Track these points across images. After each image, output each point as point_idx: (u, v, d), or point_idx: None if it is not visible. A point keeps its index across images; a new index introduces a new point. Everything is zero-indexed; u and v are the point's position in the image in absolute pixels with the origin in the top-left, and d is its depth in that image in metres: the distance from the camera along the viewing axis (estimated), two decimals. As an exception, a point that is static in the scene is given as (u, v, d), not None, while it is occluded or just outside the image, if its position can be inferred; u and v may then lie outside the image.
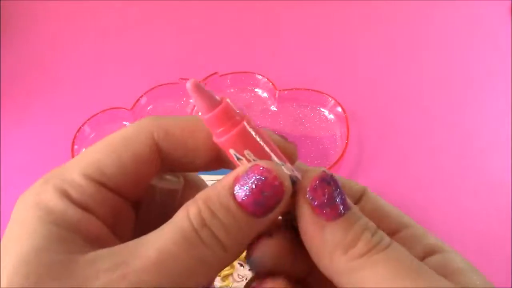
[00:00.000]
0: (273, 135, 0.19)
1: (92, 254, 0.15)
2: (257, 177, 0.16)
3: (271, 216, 0.17)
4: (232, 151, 0.18)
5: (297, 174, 0.18)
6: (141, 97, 0.55)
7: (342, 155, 0.48)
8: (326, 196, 0.17)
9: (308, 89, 0.55)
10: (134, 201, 0.19)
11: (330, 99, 0.54)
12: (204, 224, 0.16)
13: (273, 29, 0.68)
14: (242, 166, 0.17)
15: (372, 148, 0.52)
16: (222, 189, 0.17)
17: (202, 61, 0.63)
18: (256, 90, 0.58)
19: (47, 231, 0.16)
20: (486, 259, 0.43)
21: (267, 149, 0.18)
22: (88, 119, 0.53)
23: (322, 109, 0.55)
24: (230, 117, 0.18)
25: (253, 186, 0.16)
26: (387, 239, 0.17)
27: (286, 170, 0.17)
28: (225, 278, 0.41)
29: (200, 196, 0.17)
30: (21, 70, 0.65)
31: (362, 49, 0.64)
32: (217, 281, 0.41)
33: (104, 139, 0.19)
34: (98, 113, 0.54)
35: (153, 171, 0.19)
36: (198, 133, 0.19)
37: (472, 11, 0.68)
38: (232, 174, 0.17)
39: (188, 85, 0.17)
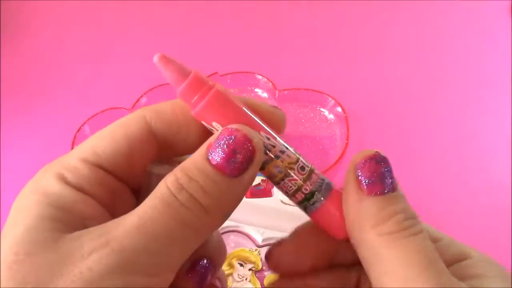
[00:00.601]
0: (258, 103, 0.20)
1: (80, 231, 0.16)
2: (227, 137, 0.17)
3: (246, 176, 0.17)
4: (204, 123, 0.19)
5: (275, 142, 0.18)
6: (141, 97, 0.55)
7: (342, 155, 0.48)
8: (373, 173, 0.18)
9: (308, 89, 0.55)
10: (133, 186, 0.19)
11: (330, 99, 0.54)
12: (181, 188, 0.16)
13: (273, 29, 0.68)
14: (214, 134, 0.18)
15: (372, 148, 0.52)
16: (197, 157, 0.17)
17: (202, 61, 0.63)
18: (256, 90, 0.58)
19: (40, 211, 0.16)
20: (486, 259, 0.43)
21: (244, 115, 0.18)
22: (88, 119, 0.53)
23: (322, 109, 0.55)
24: (199, 88, 0.18)
25: (225, 147, 0.17)
26: (419, 228, 0.17)
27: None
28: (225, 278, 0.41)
29: (176, 168, 0.17)
30: (21, 70, 0.65)
31: (362, 49, 0.64)
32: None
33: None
34: (98, 113, 0.54)
35: (148, 152, 0.19)
36: (187, 110, 0.19)
37: (472, 11, 0.68)
38: (205, 143, 0.18)
39: (156, 58, 0.18)
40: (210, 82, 0.19)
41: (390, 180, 0.18)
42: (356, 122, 0.54)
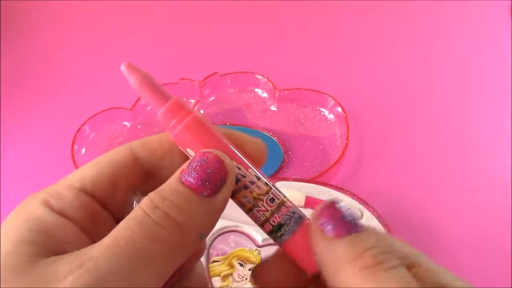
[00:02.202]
0: (240, 134, 0.20)
1: (57, 256, 0.16)
2: (200, 159, 0.18)
3: (220, 197, 0.18)
4: (180, 148, 0.19)
5: (246, 173, 0.19)
6: (141, 97, 0.55)
7: (342, 155, 0.48)
8: (334, 217, 0.18)
9: (308, 89, 0.55)
10: (117, 215, 0.19)
11: (330, 99, 0.54)
12: (155, 207, 0.17)
13: (273, 29, 0.68)
14: (188, 160, 0.18)
15: (372, 148, 0.52)
16: (171, 180, 0.18)
17: (202, 61, 0.63)
18: (256, 90, 0.58)
19: (19, 236, 0.16)
20: (486, 259, 0.43)
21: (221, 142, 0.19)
22: (88, 119, 0.53)
23: (322, 109, 0.55)
24: (177, 113, 0.19)
25: (198, 168, 0.17)
26: (395, 262, 0.17)
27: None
28: (225, 278, 0.41)
29: (151, 192, 0.17)
30: (21, 70, 0.65)
31: (362, 49, 0.64)
32: (217, 281, 0.41)
33: None
34: (98, 113, 0.54)
35: (133, 179, 0.19)
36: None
37: (472, 11, 0.68)
38: (178, 170, 0.18)
39: (132, 80, 0.20)
40: (189, 109, 0.19)
41: (353, 220, 0.18)
42: (356, 122, 0.54)
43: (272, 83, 0.56)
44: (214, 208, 0.18)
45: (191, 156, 0.19)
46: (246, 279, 0.41)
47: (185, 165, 0.18)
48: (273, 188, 0.19)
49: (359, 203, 0.43)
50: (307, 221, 0.19)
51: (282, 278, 0.21)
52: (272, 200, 0.19)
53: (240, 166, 0.19)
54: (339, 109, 0.53)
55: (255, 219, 0.19)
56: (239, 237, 0.43)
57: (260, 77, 0.57)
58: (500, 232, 0.45)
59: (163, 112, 0.19)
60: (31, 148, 0.55)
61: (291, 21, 0.69)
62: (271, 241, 0.43)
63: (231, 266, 0.42)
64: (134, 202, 0.19)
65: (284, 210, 0.19)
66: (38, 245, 0.16)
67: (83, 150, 0.53)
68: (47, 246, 0.16)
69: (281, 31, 0.68)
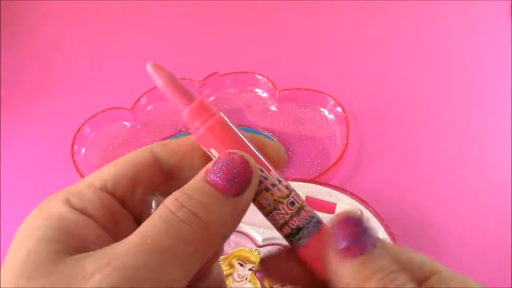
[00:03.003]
0: (261, 137, 0.20)
1: (81, 254, 0.16)
2: (225, 159, 0.18)
3: (245, 197, 0.18)
4: (203, 148, 0.19)
5: (268, 175, 0.19)
6: (141, 97, 0.55)
7: (342, 155, 0.48)
8: (348, 236, 0.18)
9: (308, 89, 0.55)
10: (136, 215, 0.20)
11: (330, 99, 0.54)
12: (181, 205, 0.17)
13: (273, 29, 0.68)
14: (212, 160, 0.19)
15: (372, 148, 0.52)
16: (196, 179, 0.18)
17: (202, 61, 0.63)
18: (256, 90, 0.58)
19: (41, 234, 0.16)
20: (486, 259, 0.43)
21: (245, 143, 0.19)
22: (88, 119, 0.53)
23: (322, 109, 0.55)
24: (202, 114, 0.19)
25: (223, 167, 0.18)
26: (403, 280, 0.17)
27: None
28: (225, 278, 0.41)
29: (175, 191, 0.18)
30: (21, 70, 0.65)
31: (362, 49, 0.64)
32: (217, 281, 0.41)
33: None
34: (98, 113, 0.54)
35: (153, 179, 0.19)
36: (192, 140, 0.20)
37: (472, 11, 0.68)
38: (204, 168, 0.18)
39: (159, 82, 0.20)
40: (214, 110, 0.19)
41: (367, 240, 0.18)
42: (356, 122, 0.54)
43: (272, 83, 0.56)
44: (238, 208, 0.18)
45: (215, 156, 0.19)
46: (246, 279, 0.41)
47: (209, 165, 0.18)
48: (293, 192, 0.19)
49: (359, 203, 0.43)
50: (325, 227, 0.19)
51: (293, 273, 0.21)
52: (292, 203, 0.19)
53: (262, 169, 0.19)
54: (339, 109, 0.53)
55: (274, 222, 0.19)
56: (239, 237, 0.43)
57: (260, 77, 0.57)
58: (500, 232, 0.45)
59: (188, 112, 0.19)
60: (31, 148, 0.55)
61: (291, 21, 0.69)
62: (271, 241, 0.43)
63: (231, 266, 0.42)
64: (153, 202, 0.19)
65: (304, 214, 0.19)
66: (61, 243, 0.16)
67: (83, 150, 0.53)
68: (70, 244, 0.16)
69: (281, 31, 0.68)
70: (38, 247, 0.16)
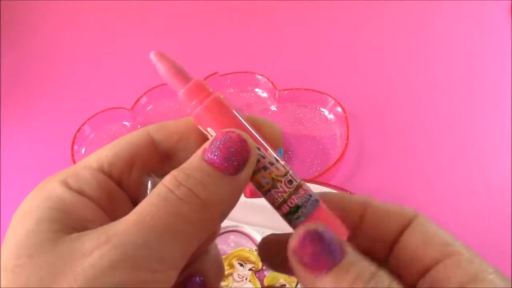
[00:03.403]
0: (257, 118, 0.20)
1: (79, 233, 0.16)
2: (222, 138, 0.18)
3: (242, 175, 0.18)
4: (200, 128, 0.19)
5: (266, 154, 0.19)
6: (141, 97, 0.56)
7: (342, 155, 0.48)
8: (312, 254, 0.17)
9: (308, 89, 0.55)
10: (133, 196, 0.20)
11: (330, 99, 0.54)
12: (180, 184, 0.17)
13: (273, 29, 0.68)
14: (209, 139, 0.19)
15: (372, 148, 0.52)
16: (193, 158, 0.18)
17: (202, 61, 0.63)
18: (256, 90, 0.58)
19: (40, 214, 0.16)
20: (486, 259, 0.43)
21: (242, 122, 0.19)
22: (88, 119, 0.53)
23: (322, 109, 0.55)
24: (199, 93, 0.19)
25: (221, 146, 0.18)
26: (384, 283, 0.17)
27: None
28: (225, 278, 0.41)
29: (173, 170, 0.18)
30: (21, 70, 0.65)
31: (362, 49, 0.64)
32: (217, 281, 0.41)
33: None
34: (98, 113, 0.54)
35: (149, 160, 0.20)
36: (188, 122, 0.20)
37: (472, 11, 0.68)
38: (201, 147, 0.18)
39: (153, 56, 0.20)
40: (211, 90, 0.19)
41: (332, 250, 0.17)
42: (356, 122, 0.54)
43: (272, 83, 0.56)
44: (236, 186, 0.18)
45: (211, 135, 0.19)
46: (246, 279, 0.41)
47: (206, 144, 0.18)
48: (291, 170, 0.19)
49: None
50: (323, 205, 0.19)
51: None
52: (290, 182, 0.19)
53: (259, 147, 0.19)
54: (339, 109, 0.53)
55: (272, 201, 0.19)
56: (239, 237, 0.43)
57: (260, 77, 0.57)
58: (500, 233, 0.45)
59: (185, 91, 0.19)
60: (31, 148, 0.55)
61: (291, 21, 0.69)
62: (271, 241, 0.43)
63: (231, 266, 0.42)
64: (149, 182, 0.20)
65: (302, 192, 0.19)
66: (60, 223, 0.16)
67: (83, 150, 0.53)
68: (68, 223, 0.16)
69: (281, 31, 0.68)
70: (37, 227, 0.16)
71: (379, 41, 0.65)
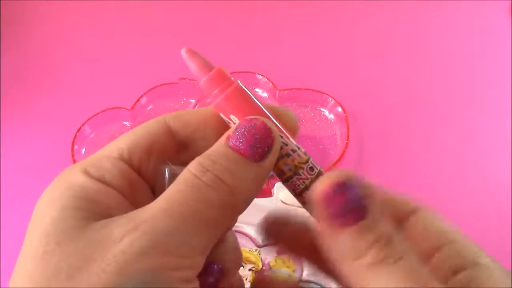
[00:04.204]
0: (274, 106, 0.20)
1: (106, 220, 0.16)
2: (247, 125, 0.18)
3: (267, 162, 0.18)
4: (222, 115, 0.20)
5: (288, 141, 0.19)
6: (141, 97, 0.55)
7: (342, 155, 0.48)
8: (339, 205, 0.17)
9: (308, 89, 0.55)
10: (151, 184, 0.20)
11: (330, 99, 0.54)
12: (206, 170, 0.17)
13: (273, 29, 0.68)
14: (232, 126, 0.19)
15: (372, 148, 0.52)
16: (218, 145, 0.18)
17: (202, 61, 0.63)
18: (256, 90, 0.58)
19: (64, 203, 0.17)
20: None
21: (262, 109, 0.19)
22: (88, 119, 0.53)
23: (322, 109, 0.55)
24: (221, 82, 0.20)
25: (245, 133, 0.18)
26: (400, 252, 0.16)
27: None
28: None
29: (197, 157, 0.18)
30: (21, 70, 0.65)
31: (362, 49, 0.64)
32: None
33: None
34: (98, 113, 0.54)
35: (167, 149, 0.20)
36: (205, 112, 0.20)
37: (472, 11, 0.68)
38: (224, 135, 0.18)
39: (183, 52, 0.20)
40: (232, 78, 0.20)
41: (359, 207, 0.17)
42: (356, 122, 0.54)
43: (272, 83, 0.56)
44: (261, 173, 0.18)
45: (234, 122, 0.19)
46: (246, 279, 0.41)
47: (230, 131, 0.18)
48: (311, 158, 0.20)
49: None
50: None
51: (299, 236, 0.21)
52: (311, 169, 0.19)
53: (282, 135, 0.19)
54: (339, 109, 0.53)
55: (294, 187, 0.19)
56: (239, 237, 0.43)
57: (260, 77, 0.57)
58: (500, 233, 0.45)
59: (208, 80, 0.20)
60: (31, 148, 0.55)
61: (292, 21, 0.69)
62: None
63: (231, 266, 0.42)
64: (166, 171, 0.20)
65: None
66: (85, 210, 0.16)
67: (83, 150, 0.53)
68: (93, 211, 0.17)
69: (281, 31, 0.68)
70: (63, 215, 0.16)
71: (379, 41, 0.65)
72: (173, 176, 0.18)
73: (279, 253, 0.22)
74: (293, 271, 0.42)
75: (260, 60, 0.63)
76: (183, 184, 0.17)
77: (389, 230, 0.17)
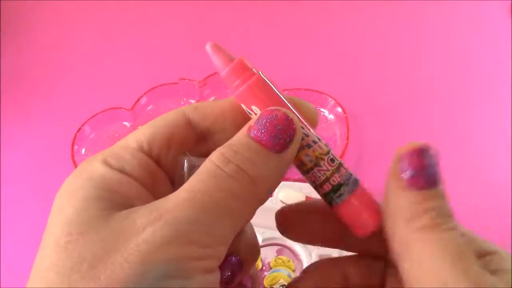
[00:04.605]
0: (293, 97, 0.21)
1: (129, 210, 0.16)
2: (269, 116, 0.18)
3: (288, 153, 0.18)
4: (243, 106, 0.20)
5: (309, 132, 0.19)
6: (141, 97, 0.55)
7: (342, 155, 0.48)
8: (413, 167, 0.18)
9: (308, 89, 0.55)
10: (170, 175, 0.20)
11: (330, 99, 0.54)
12: (228, 161, 0.17)
13: (273, 29, 0.68)
14: (254, 117, 0.19)
15: (372, 148, 0.52)
16: (239, 136, 0.18)
17: (202, 61, 0.63)
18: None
19: (86, 193, 0.17)
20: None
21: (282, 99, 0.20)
22: (88, 119, 0.53)
23: (322, 109, 0.55)
24: (242, 73, 0.20)
25: (267, 124, 0.18)
26: (452, 225, 0.17)
27: None
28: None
29: (221, 146, 0.18)
30: (21, 70, 0.65)
31: (362, 49, 0.64)
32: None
33: None
34: (98, 113, 0.54)
35: (186, 140, 0.20)
36: (224, 103, 0.20)
37: (472, 11, 0.68)
38: (246, 125, 0.18)
39: (208, 46, 0.20)
40: (254, 69, 0.20)
41: (432, 176, 0.18)
42: (356, 122, 0.54)
43: (272, 83, 0.55)
44: (282, 164, 0.18)
45: (256, 113, 0.19)
46: (246, 279, 0.41)
47: (252, 122, 0.18)
48: (331, 149, 0.20)
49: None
50: (361, 185, 0.20)
51: (320, 231, 0.21)
52: (332, 160, 0.19)
53: (303, 126, 0.19)
54: (339, 109, 0.53)
55: (315, 179, 0.19)
56: (239, 237, 0.43)
57: (260, 77, 0.57)
58: (500, 233, 0.45)
59: (229, 71, 0.20)
60: (31, 148, 0.55)
61: (292, 21, 0.69)
62: (272, 241, 0.43)
63: (231, 266, 0.42)
64: (185, 162, 0.20)
65: (343, 171, 0.19)
66: (107, 201, 0.17)
67: (83, 150, 0.53)
68: (115, 201, 0.17)
69: (281, 31, 0.68)
70: (85, 205, 0.16)
71: (379, 41, 0.65)
72: (192, 168, 0.18)
73: (293, 239, 0.22)
74: (293, 271, 0.42)
75: (260, 60, 0.63)
76: (206, 174, 0.17)
77: (447, 207, 0.18)
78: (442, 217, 0.17)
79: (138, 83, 0.58)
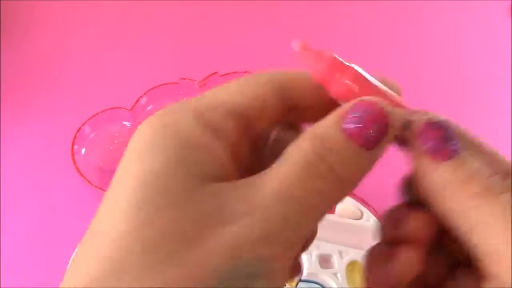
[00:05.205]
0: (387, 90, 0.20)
1: (216, 186, 0.15)
2: (363, 109, 0.17)
3: (379, 150, 0.17)
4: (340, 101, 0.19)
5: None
6: (141, 97, 0.55)
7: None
8: (438, 138, 0.18)
9: (308, 89, 0.55)
10: (254, 143, 0.19)
11: (330, 99, 0.54)
12: (322, 158, 0.16)
13: (273, 29, 0.68)
14: (347, 103, 0.17)
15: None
16: (332, 126, 0.17)
17: (202, 61, 0.63)
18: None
19: (169, 154, 0.15)
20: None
21: (381, 89, 0.19)
22: (88, 119, 0.53)
23: (322, 109, 0.55)
24: (336, 69, 0.19)
25: (362, 118, 0.17)
26: (503, 184, 0.17)
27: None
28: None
29: (310, 134, 0.17)
30: (21, 70, 0.65)
31: (361, 49, 0.64)
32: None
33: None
34: (98, 113, 0.54)
35: (273, 111, 0.19)
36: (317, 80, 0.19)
37: (472, 11, 0.68)
38: (337, 111, 0.17)
39: (295, 45, 0.21)
40: (347, 63, 0.20)
41: (454, 141, 0.18)
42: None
43: (272, 83, 0.55)
44: (371, 162, 0.17)
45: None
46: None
47: (343, 111, 0.17)
48: None
49: (359, 203, 0.43)
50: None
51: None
52: None
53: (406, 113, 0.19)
54: (339, 109, 0.53)
55: None
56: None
57: (260, 77, 0.57)
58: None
59: (325, 66, 0.20)
60: (31, 148, 0.55)
61: (291, 21, 0.69)
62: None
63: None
64: (272, 134, 0.19)
65: None
66: (194, 167, 0.15)
67: (83, 150, 0.53)
68: (202, 170, 0.15)
69: (281, 31, 0.68)
70: (167, 168, 0.15)
71: (378, 41, 0.65)
72: (277, 141, 0.18)
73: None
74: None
75: (260, 60, 0.63)
76: (299, 168, 0.16)
77: (489, 163, 0.17)
78: (491, 177, 0.17)
79: (138, 83, 0.57)
